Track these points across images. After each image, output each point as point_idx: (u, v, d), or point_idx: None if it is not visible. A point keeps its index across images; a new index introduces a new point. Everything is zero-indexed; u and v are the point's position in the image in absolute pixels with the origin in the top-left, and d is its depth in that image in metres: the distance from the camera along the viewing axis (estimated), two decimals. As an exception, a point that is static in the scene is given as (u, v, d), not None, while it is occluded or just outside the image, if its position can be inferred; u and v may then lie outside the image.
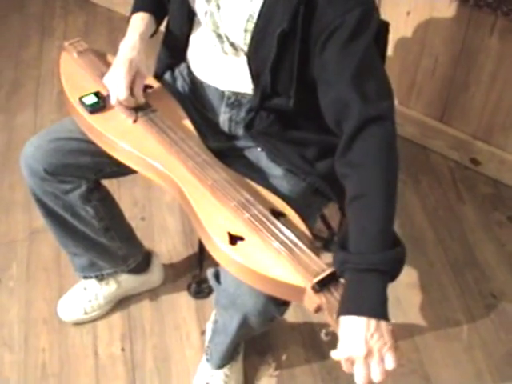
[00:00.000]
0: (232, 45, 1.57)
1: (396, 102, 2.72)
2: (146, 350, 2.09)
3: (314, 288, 1.25)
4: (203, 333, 2.08)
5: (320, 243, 2.28)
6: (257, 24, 1.47)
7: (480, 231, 2.44)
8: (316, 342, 2.09)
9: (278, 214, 1.42)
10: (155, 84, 1.76)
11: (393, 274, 1.28)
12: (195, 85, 1.76)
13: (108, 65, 1.71)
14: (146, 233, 2.40)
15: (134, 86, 1.61)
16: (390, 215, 1.33)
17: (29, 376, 2.05)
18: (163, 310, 2.20)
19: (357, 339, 1.20)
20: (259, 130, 1.63)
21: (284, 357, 2.07)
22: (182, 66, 1.81)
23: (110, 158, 1.62)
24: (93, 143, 1.65)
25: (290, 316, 2.16)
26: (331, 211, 2.34)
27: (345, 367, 1.23)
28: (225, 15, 1.52)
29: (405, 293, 2.24)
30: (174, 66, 1.83)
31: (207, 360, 1.94)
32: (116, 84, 1.59)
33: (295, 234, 1.35)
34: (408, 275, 2.28)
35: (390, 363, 1.20)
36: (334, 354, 1.25)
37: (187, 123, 1.65)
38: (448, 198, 2.55)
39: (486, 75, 2.37)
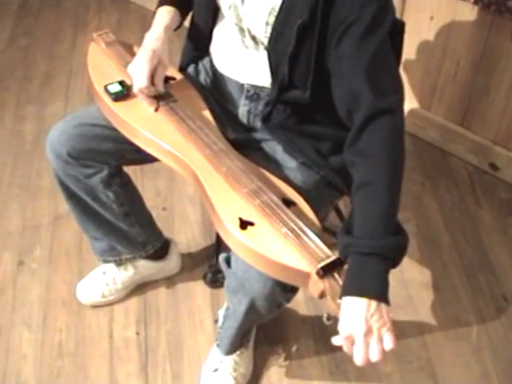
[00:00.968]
0: (253, 38, 1.62)
1: (418, 106, 2.76)
2: (160, 334, 2.15)
3: (318, 273, 1.29)
4: (216, 321, 2.12)
5: (335, 238, 2.31)
6: (278, 17, 1.52)
7: (495, 235, 2.45)
8: (326, 336, 2.09)
9: (289, 203, 1.47)
10: (178, 76, 1.82)
11: (394, 260, 1.32)
12: (217, 78, 1.82)
13: (134, 55, 1.77)
14: (166, 222, 2.46)
15: (155, 75, 1.66)
16: (394, 203, 1.37)
17: (45, 354, 2.11)
18: (179, 297, 2.25)
19: (357, 318, 1.24)
20: (276, 124, 1.68)
21: (294, 348, 2.11)
22: (206, 59, 1.86)
23: (132, 145, 1.68)
24: (115, 130, 1.71)
25: (302, 309, 2.20)
26: (348, 207, 2.39)
27: (345, 347, 1.26)
28: (248, 8, 1.58)
29: (417, 291, 2.27)
30: (198, 59, 1.89)
31: (217, 345, 1.98)
32: (138, 72, 1.65)
33: (304, 222, 1.40)
34: (421, 275, 2.32)
35: (389, 343, 1.24)
36: (335, 340, 1.29)
37: (206, 113, 1.70)
38: (465, 201, 2.58)
39: (507, 81, 2.40)
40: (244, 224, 1.41)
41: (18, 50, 3.43)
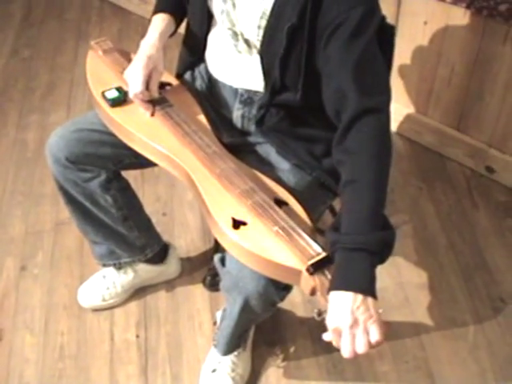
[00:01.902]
0: (246, 42, 1.66)
1: (414, 111, 2.79)
2: (160, 337, 2.18)
3: (308, 270, 1.32)
4: (215, 323, 2.15)
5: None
6: (269, 20, 1.56)
7: (492, 237, 2.48)
8: (324, 337, 2.16)
9: (280, 203, 1.50)
10: (174, 82, 1.86)
11: (381, 255, 1.34)
12: (212, 83, 1.85)
13: (131, 62, 1.82)
14: (166, 227, 2.50)
15: (150, 81, 1.70)
16: (380, 200, 1.39)
17: (47, 357, 2.14)
18: (178, 300, 2.28)
19: (343, 310, 1.27)
20: (269, 126, 1.71)
21: (292, 349, 2.14)
22: (202, 65, 1.90)
23: (129, 149, 1.72)
24: (113, 135, 1.75)
25: (300, 310, 2.23)
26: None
27: (333, 340, 1.29)
28: (240, 13, 1.62)
29: (414, 293, 2.29)
30: (194, 65, 1.92)
31: (214, 346, 2.01)
32: (133, 78, 1.69)
33: (295, 221, 1.43)
34: (418, 276, 2.34)
35: (375, 335, 1.27)
36: (325, 336, 1.31)
37: (201, 118, 1.74)
38: (462, 204, 2.60)
39: (500, 84, 2.43)
40: (237, 224, 1.44)
41: (21, 61, 3.48)
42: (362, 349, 1.26)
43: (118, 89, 1.77)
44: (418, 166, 2.77)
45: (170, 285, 2.32)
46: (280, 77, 1.60)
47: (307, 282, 1.34)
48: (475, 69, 2.47)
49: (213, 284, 2.28)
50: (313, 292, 1.35)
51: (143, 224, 2.11)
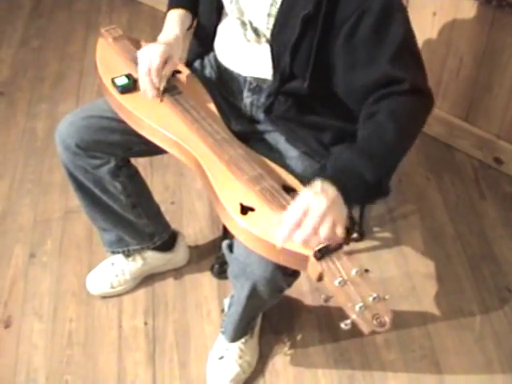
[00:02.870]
0: (255, 30, 1.67)
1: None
2: (168, 324, 2.19)
3: (315, 255, 1.32)
4: (223, 311, 2.16)
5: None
6: (281, 8, 1.56)
7: (499, 228, 2.48)
8: (331, 325, 2.16)
9: (288, 189, 1.51)
10: (184, 70, 1.87)
11: (373, 188, 1.43)
12: (221, 71, 1.86)
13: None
14: (174, 216, 2.51)
15: (163, 68, 1.70)
16: (394, 153, 1.48)
17: (55, 343, 2.16)
18: (186, 288, 2.30)
19: (306, 193, 1.33)
20: (278, 115, 1.72)
21: (299, 337, 2.15)
22: (211, 54, 1.91)
23: (139, 136, 1.73)
24: (123, 122, 1.76)
25: (307, 299, 2.24)
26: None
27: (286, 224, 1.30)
28: (249, 1, 1.62)
29: (421, 282, 2.30)
30: (204, 54, 1.93)
31: (222, 333, 2.03)
32: (150, 53, 1.69)
33: (303, 208, 1.44)
34: (425, 266, 2.35)
35: (324, 231, 1.28)
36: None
37: (210, 105, 1.75)
38: (470, 194, 2.61)
39: (509, 75, 2.42)
40: (245, 209, 1.45)
41: (31, 51, 3.49)
42: (299, 238, 1.28)
43: (128, 76, 1.77)
44: (426, 156, 2.77)
45: (178, 272, 2.34)
46: (289, 65, 1.60)
47: (314, 267, 1.35)
48: (484, 60, 2.46)
49: (220, 272, 2.29)
50: (320, 278, 1.35)
51: (152, 211, 2.12)
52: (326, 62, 1.56)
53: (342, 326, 1.26)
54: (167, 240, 2.23)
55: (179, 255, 2.31)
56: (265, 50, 1.66)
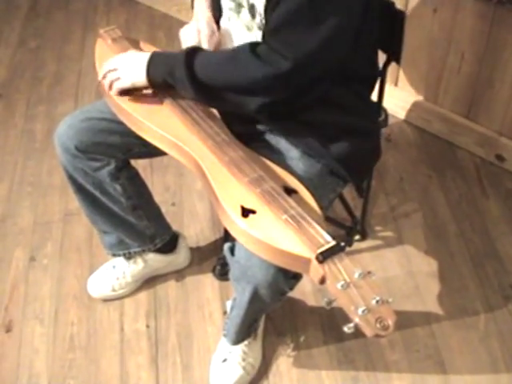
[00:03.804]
0: (251, 8, 1.62)
1: (423, 99, 2.78)
2: (170, 327, 2.18)
3: (317, 258, 1.31)
4: (225, 313, 2.15)
5: (344, 231, 2.36)
6: None
7: (502, 225, 2.47)
8: (334, 326, 2.15)
9: (290, 191, 1.49)
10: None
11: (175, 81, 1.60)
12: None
13: (140, 50, 1.82)
14: (175, 217, 2.50)
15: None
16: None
17: (57, 347, 2.14)
18: (188, 289, 2.28)
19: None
20: (276, 112, 1.70)
21: (302, 338, 2.14)
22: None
23: (139, 138, 1.71)
24: (122, 124, 1.74)
25: (310, 300, 2.23)
26: (356, 202, 2.41)
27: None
28: None
29: (424, 281, 2.28)
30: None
31: (224, 335, 2.01)
32: (198, 25, 1.75)
33: (304, 210, 1.42)
34: (428, 265, 2.33)
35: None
36: None
37: (210, 106, 1.74)
38: (472, 192, 2.59)
39: (510, 72, 2.41)
40: (245, 212, 1.43)
41: (28, 52, 3.48)
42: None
43: None
44: (427, 154, 2.76)
45: (179, 274, 2.32)
46: None
47: (316, 270, 1.33)
48: (485, 56, 2.45)
49: (222, 273, 2.27)
50: (322, 281, 1.34)
51: (153, 213, 2.11)
52: None
53: (345, 329, 1.24)
54: (168, 242, 2.21)
55: (181, 257, 2.30)
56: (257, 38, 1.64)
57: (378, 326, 1.24)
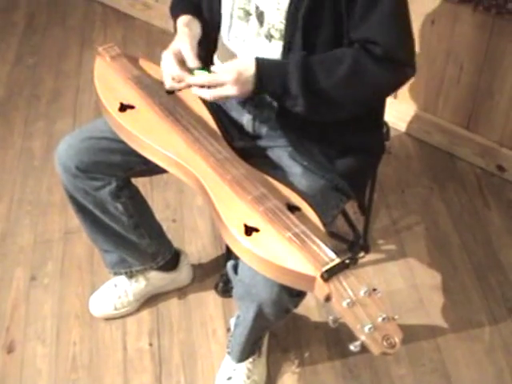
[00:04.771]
0: (259, 16, 1.62)
1: (423, 110, 2.78)
2: (173, 345, 2.16)
3: (322, 277, 1.30)
4: (229, 330, 2.13)
5: (342, 243, 2.34)
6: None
7: (505, 236, 2.46)
8: (339, 341, 2.13)
9: (293, 208, 1.48)
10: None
11: (286, 99, 1.55)
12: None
13: (139, 68, 1.82)
14: (176, 234, 2.48)
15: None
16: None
17: (59, 368, 2.13)
18: (191, 307, 2.27)
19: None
20: (284, 123, 1.69)
21: (307, 354, 2.12)
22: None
23: (139, 156, 1.69)
24: (123, 142, 1.72)
25: (314, 315, 2.21)
26: (358, 215, 2.40)
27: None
28: None
29: (428, 294, 2.27)
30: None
31: (228, 353, 2.00)
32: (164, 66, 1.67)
33: (308, 227, 1.41)
34: (432, 277, 2.32)
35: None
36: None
37: (211, 123, 1.72)
38: (474, 203, 2.58)
39: (510, 82, 2.41)
40: (249, 230, 1.42)
41: (26, 69, 3.46)
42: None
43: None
44: (428, 166, 2.75)
45: (182, 292, 2.31)
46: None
47: (321, 288, 1.32)
48: (484, 67, 2.45)
49: (225, 290, 2.26)
50: (327, 299, 1.32)
51: (154, 231, 2.10)
52: None
53: (352, 347, 1.23)
54: (170, 259, 2.20)
55: (183, 274, 2.28)
56: (265, 51, 1.63)
57: (384, 343, 1.23)
